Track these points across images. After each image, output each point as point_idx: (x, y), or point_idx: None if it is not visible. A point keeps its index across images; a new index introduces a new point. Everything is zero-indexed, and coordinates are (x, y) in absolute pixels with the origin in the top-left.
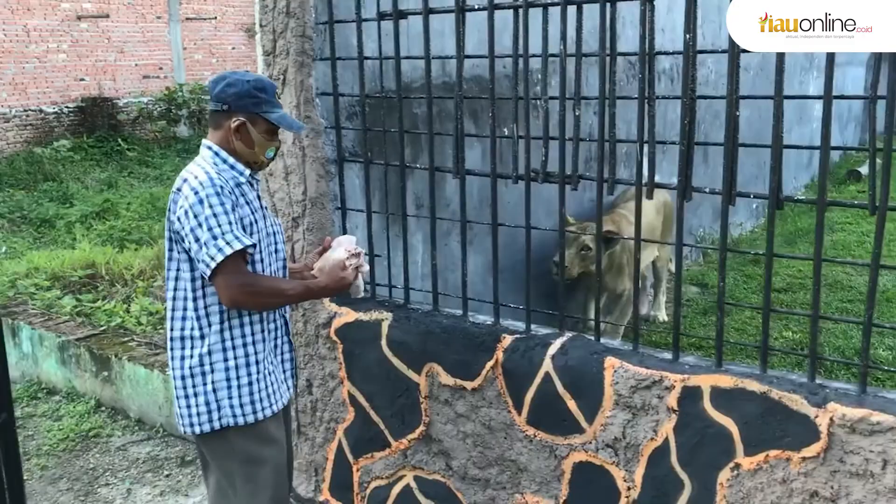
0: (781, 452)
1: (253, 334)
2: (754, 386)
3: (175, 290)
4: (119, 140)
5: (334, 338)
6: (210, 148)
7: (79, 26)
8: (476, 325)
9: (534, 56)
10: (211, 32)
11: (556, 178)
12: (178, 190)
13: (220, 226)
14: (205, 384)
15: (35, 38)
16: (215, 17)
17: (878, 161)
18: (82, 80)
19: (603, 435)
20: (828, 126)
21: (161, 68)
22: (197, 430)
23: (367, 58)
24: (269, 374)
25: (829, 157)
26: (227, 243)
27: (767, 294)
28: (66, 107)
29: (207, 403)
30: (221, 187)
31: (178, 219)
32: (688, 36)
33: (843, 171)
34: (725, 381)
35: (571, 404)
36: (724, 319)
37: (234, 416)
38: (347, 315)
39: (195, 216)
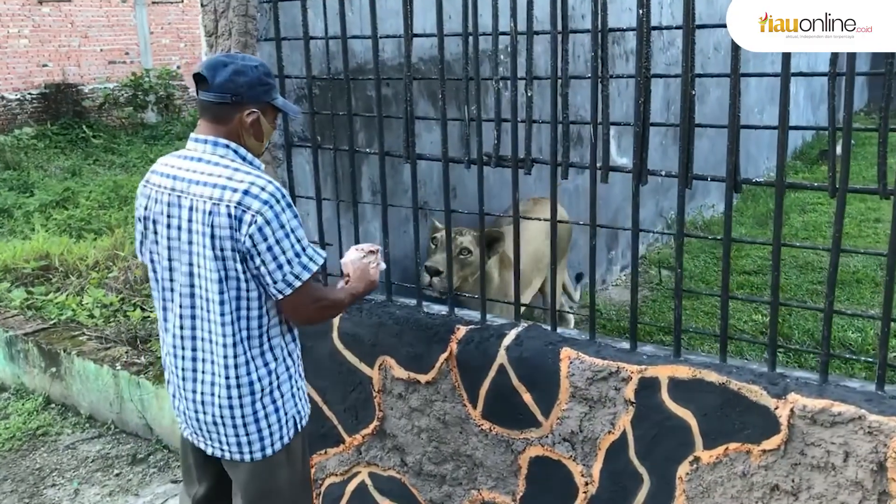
0: (741, 445)
1: (296, 337)
2: (712, 377)
3: (232, 311)
4: (84, 127)
5: None
6: (228, 146)
7: (40, 10)
8: (430, 315)
9: (484, 35)
10: (178, 16)
11: (508, 161)
12: (240, 204)
13: (299, 241)
14: (274, 401)
15: None
16: (182, 0)
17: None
18: (45, 65)
19: (559, 429)
20: (786, 106)
21: (127, 53)
22: (269, 452)
23: (312, 37)
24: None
25: (787, 138)
26: (311, 259)
27: (725, 281)
28: (30, 93)
29: (279, 420)
30: (290, 197)
31: (251, 237)
32: (641, 11)
33: (815, 151)
34: (683, 371)
35: (527, 397)
36: (695, 304)
37: (300, 420)
38: None
39: (273, 233)
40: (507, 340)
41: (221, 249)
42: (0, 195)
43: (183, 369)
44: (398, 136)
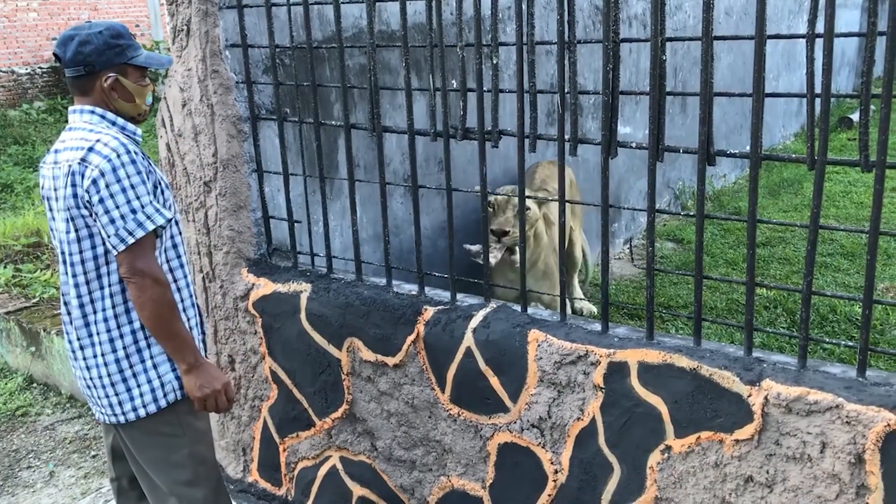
0: (714, 434)
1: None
2: (683, 361)
3: (86, 272)
4: None
5: (252, 311)
6: (94, 112)
7: None
8: (399, 296)
9: None
10: None
11: (475, 134)
12: (83, 160)
13: (138, 198)
14: (143, 361)
15: None
16: None
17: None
18: (55, 39)
19: (528, 414)
20: (760, 73)
21: (137, 26)
22: (142, 412)
23: (274, 4)
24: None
25: (762, 108)
26: (148, 217)
27: (699, 261)
28: (40, 67)
29: (150, 381)
30: (136, 153)
31: (87, 191)
32: None
33: (834, 119)
34: (653, 355)
35: (494, 381)
36: (671, 285)
37: (181, 386)
38: (265, 287)
39: (107, 186)
40: (473, 322)
41: (73, 208)
42: (4, 170)
43: (69, 337)
44: (387, 108)
